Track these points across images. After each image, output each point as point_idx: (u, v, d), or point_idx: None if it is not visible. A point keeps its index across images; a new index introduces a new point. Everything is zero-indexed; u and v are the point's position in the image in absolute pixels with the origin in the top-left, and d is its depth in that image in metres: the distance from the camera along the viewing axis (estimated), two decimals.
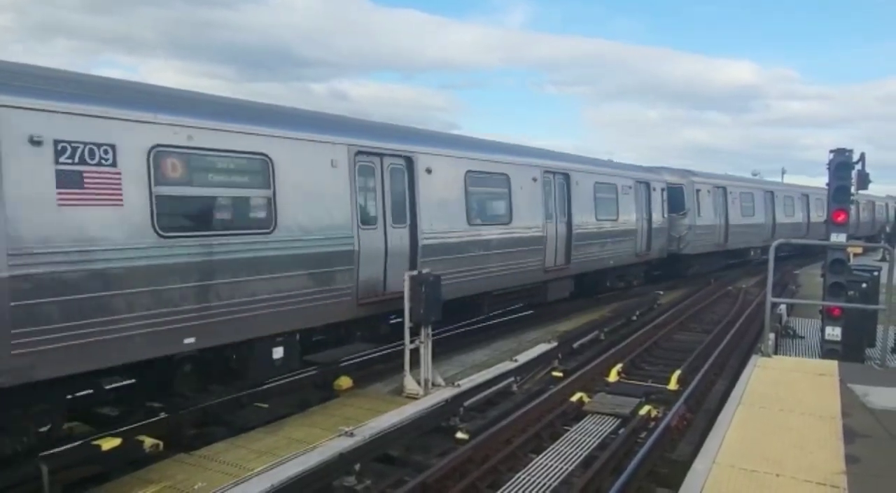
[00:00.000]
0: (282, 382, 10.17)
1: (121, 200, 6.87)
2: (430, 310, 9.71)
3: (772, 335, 10.70)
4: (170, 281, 7.30)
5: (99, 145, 6.68)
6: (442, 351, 11.90)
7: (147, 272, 7.07)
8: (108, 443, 7.14)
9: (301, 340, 9.31)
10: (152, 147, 7.16)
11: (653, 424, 9.01)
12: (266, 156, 8.47)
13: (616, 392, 10.40)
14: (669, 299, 20.13)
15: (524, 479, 7.21)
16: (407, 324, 9.66)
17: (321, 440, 7.59)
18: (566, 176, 16.10)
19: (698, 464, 5.49)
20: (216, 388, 9.15)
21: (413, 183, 11.09)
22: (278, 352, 8.83)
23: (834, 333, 10.70)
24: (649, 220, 20.70)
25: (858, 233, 36.61)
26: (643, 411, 9.42)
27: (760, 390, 7.59)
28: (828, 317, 10.85)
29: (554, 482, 7.17)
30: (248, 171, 8.42)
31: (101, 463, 7.04)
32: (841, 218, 10.70)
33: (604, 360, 12.03)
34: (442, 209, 11.78)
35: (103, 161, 6.73)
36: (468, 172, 12.60)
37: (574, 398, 9.93)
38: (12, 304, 5.95)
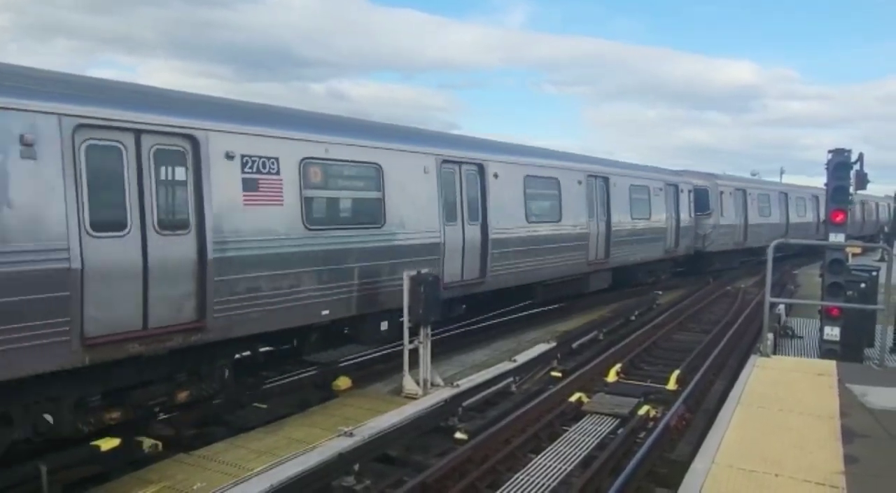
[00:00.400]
0: (281, 382, 10.19)
1: (282, 201, 8.74)
2: (429, 310, 9.72)
3: (770, 335, 10.72)
4: (314, 265, 9.18)
5: (268, 158, 8.59)
6: (441, 351, 11.91)
7: (299, 257, 8.93)
8: (108, 443, 7.15)
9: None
10: (302, 159, 9.05)
11: (652, 424, 9.01)
12: (378, 165, 10.39)
13: (615, 392, 10.40)
14: (668, 299, 20.14)
15: (523, 479, 7.22)
16: (406, 324, 9.67)
17: (321, 440, 7.59)
18: (606, 179, 17.66)
19: (697, 464, 5.50)
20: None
21: (484, 186, 12.83)
22: (384, 325, 10.64)
23: (833, 333, 10.71)
24: (678, 219, 22.11)
25: (863, 232, 38.34)
26: (642, 411, 9.43)
27: (759, 390, 7.60)
28: (826, 317, 10.86)
29: (553, 482, 7.18)
30: (365, 177, 10.38)
31: (101, 463, 7.06)
32: (839, 218, 10.71)
33: (603, 360, 12.04)
34: (506, 208, 13.50)
35: (271, 170, 8.62)
36: (526, 176, 14.30)
37: (573, 398, 9.93)
38: (215, 279, 7.74)
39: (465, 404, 9.44)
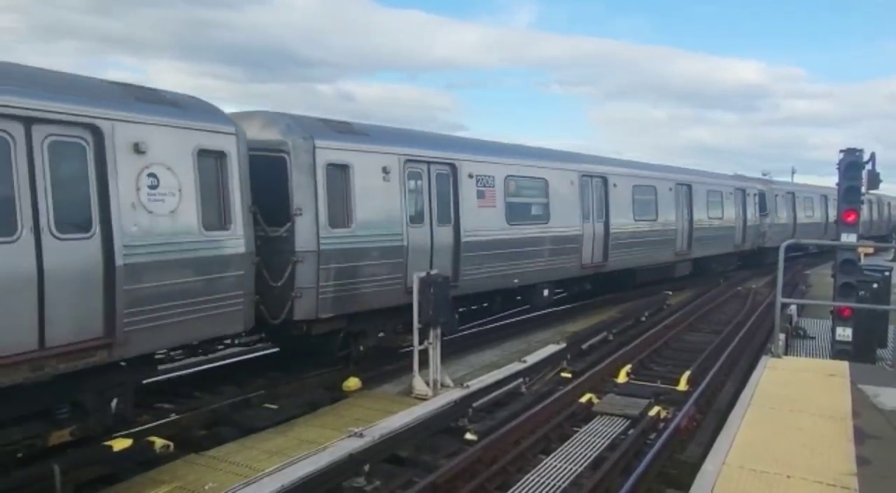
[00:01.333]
0: (291, 383, 10.21)
1: (495, 205, 13.35)
2: (438, 311, 9.73)
3: (782, 336, 10.66)
4: (513, 248, 13.72)
5: (488, 176, 13.16)
6: (451, 352, 11.91)
7: (501, 244, 13.37)
8: (120, 444, 7.19)
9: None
10: (506, 176, 13.65)
11: (662, 425, 8.99)
12: (545, 179, 14.96)
13: (625, 393, 10.38)
14: (679, 299, 20.07)
15: (533, 480, 7.21)
16: (416, 325, 9.68)
17: (331, 441, 7.61)
18: (689, 187, 21.89)
19: (708, 465, 5.48)
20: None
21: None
22: (546, 292, 15.32)
23: (844, 333, 10.65)
24: (745, 219, 25.93)
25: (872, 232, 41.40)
26: (652, 412, 9.40)
27: (771, 391, 7.56)
28: (838, 317, 10.80)
29: (563, 483, 7.17)
30: (537, 188, 14.87)
31: (113, 464, 7.09)
32: (851, 218, 10.65)
33: (613, 361, 12.01)
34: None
35: (489, 184, 13.20)
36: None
37: (583, 399, 9.91)
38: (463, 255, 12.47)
39: (475, 404, 9.44)
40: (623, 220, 17.82)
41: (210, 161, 8.10)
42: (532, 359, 11.61)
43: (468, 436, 8.38)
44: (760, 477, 5.19)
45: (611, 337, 14.51)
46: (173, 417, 8.50)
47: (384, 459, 7.69)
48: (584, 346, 13.46)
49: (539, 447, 8.25)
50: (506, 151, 14.64)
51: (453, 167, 12.35)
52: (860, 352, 10.51)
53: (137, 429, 7.81)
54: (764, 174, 43.33)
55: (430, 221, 11.79)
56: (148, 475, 6.93)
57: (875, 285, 11.27)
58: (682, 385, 10.77)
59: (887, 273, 11.87)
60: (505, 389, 10.28)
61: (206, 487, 6.55)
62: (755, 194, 27.09)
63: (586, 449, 8.13)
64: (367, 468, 7.22)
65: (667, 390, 10.66)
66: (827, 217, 34.39)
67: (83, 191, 6.78)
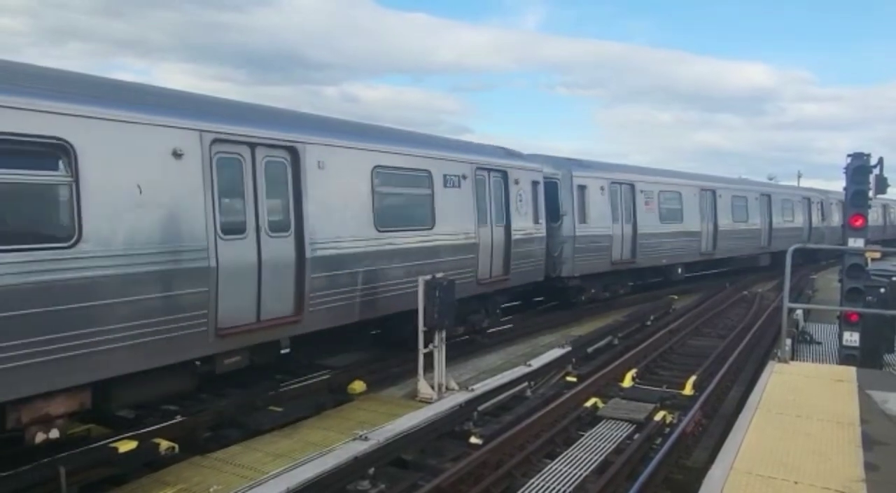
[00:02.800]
0: (297, 385, 10.21)
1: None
2: (443, 314, 9.73)
3: (789, 341, 10.60)
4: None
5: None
6: (456, 355, 11.90)
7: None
8: (125, 445, 7.18)
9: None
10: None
11: (668, 430, 8.95)
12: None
13: (631, 397, 10.33)
14: (684, 303, 20.02)
15: (538, 484, 7.19)
16: (421, 328, 9.68)
17: (336, 444, 7.61)
18: (769, 196, 28.23)
19: (715, 470, 5.44)
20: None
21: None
22: (681, 269, 21.07)
23: (852, 338, 10.60)
24: (811, 222, 33.04)
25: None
26: (658, 416, 9.36)
27: (777, 396, 7.52)
28: (846, 322, 10.75)
29: (568, 487, 7.14)
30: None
31: (118, 465, 7.09)
32: (859, 222, 10.60)
33: (618, 365, 11.97)
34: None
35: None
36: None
37: (588, 403, 9.89)
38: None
39: (479, 408, 9.42)
40: (726, 221, 24.37)
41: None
42: (537, 363, 11.58)
43: (473, 440, 8.35)
44: (768, 483, 5.15)
45: (616, 341, 14.48)
46: (178, 419, 8.50)
47: (389, 462, 7.68)
48: (590, 350, 13.43)
49: (544, 452, 8.23)
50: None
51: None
52: (867, 357, 10.46)
53: (142, 431, 7.81)
54: (770, 178, 45.33)
55: None
56: (153, 476, 6.95)
57: (882, 290, 11.21)
58: (688, 390, 10.72)
59: (895, 278, 11.81)
60: (510, 392, 10.26)
61: (211, 489, 6.56)
62: (818, 202, 34.57)
63: (591, 454, 8.10)
64: (371, 471, 7.21)
65: (672, 394, 10.61)
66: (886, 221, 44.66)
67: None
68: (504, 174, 14.08)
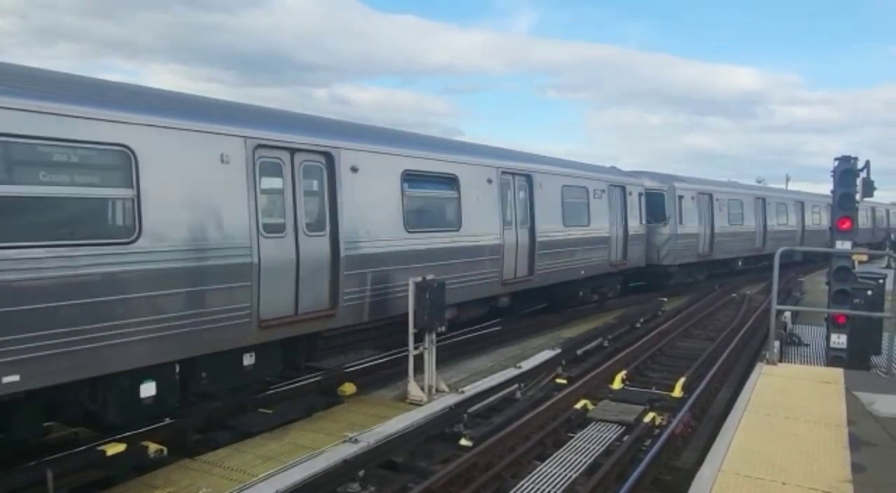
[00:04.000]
0: (286, 387, 10.18)
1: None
2: (434, 316, 9.73)
3: (777, 343, 10.67)
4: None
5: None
6: (446, 357, 11.89)
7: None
8: (113, 448, 7.14)
9: None
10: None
11: (657, 431, 8.99)
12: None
13: (620, 399, 10.37)
14: (673, 305, 20.10)
15: (528, 486, 7.19)
16: (411, 330, 9.67)
17: (326, 446, 7.59)
18: (802, 204, 32.59)
19: (704, 471, 5.47)
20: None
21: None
22: (741, 262, 27.17)
23: (839, 340, 10.68)
24: (874, 221, 41.63)
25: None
26: (648, 418, 9.40)
27: (766, 398, 7.57)
28: (833, 324, 10.83)
29: (558, 489, 7.16)
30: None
31: (106, 468, 7.05)
32: (846, 225, 10.69)
33: (608, 367, 12.01)
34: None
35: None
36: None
37: (578, 405, 9.91)
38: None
39: (470, 410, 9.42)
40: (772, 222, 29.13)
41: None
42: (527, 365, 11.59)
43: (463, 442, 8.36)
44: (756, 484, 5.19)
45: (606, 343, 14.52)
46: (167, 421, 8.45)
47: (379, 464, 7.66)
48: (579, 352, 13.46)
49: (534, 453, 8.24)
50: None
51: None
52: (855, 359, 10.55)
53: (131, 433, 7.76)
54: (759, 181, 45.81)
55: None
56: (141, 479, 6.91)
57: (869, 293, 11.31)
58: (678, 392, 10.77)
59: (881, 280, 11.91)
60: (500, 394, 10.27)
61: (200, 492, 6.52)
62: (872, 208, 41.88)
63: (581, 455, 8.12)
64: (361, 473, 7.19)
65: (662, 396, 10.66)
66: None
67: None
68: (623, 188, 19.38)
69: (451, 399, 9.53)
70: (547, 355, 12.48)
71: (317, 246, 9.14)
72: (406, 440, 8.24)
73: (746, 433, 6.33)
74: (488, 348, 13.72)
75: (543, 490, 7.11)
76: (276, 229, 8.56)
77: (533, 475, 7.47)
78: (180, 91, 8.77)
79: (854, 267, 11.66)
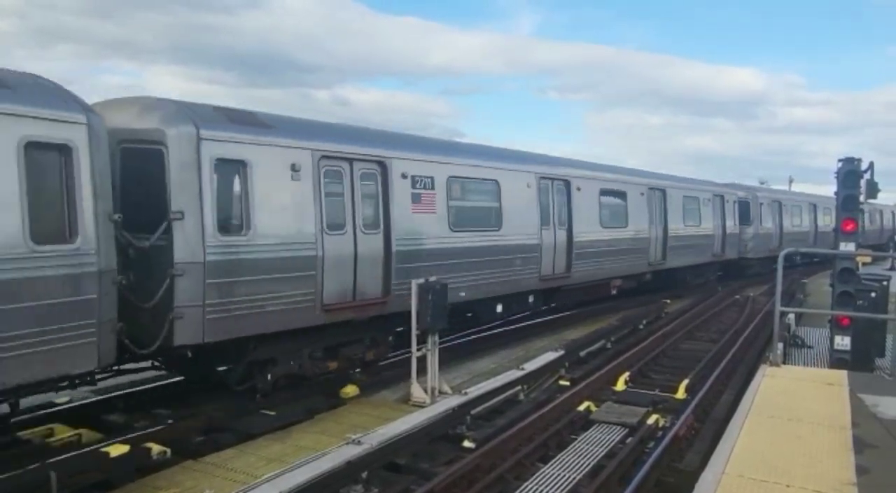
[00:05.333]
0: (289, 389, 10.18)
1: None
2: (436, 318, 9.73)
3: (780, 345, 10.65)
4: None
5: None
6: (449, 359, 11.90)
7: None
8: (117, 450, 7.15)
9: None
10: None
11: (660, 433, 8.97)
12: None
13: (623, 401, 10.36)
14: (676, 307, 20.08)
15: (531, 488, 7.19)
16: (414, 331, 9.67)
17: (329, 448, 7.59)
18: (815, 205, 35.39)
19: (707, 474, 5.46)
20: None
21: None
22: (798, 257, 28.93)
23: (843, 342, 10.64)
24: (882, 223, 46.41)
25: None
26: (651, 420, 9.39)
27: (769, 400, 7.55)
28: (837, 326, 10.80)
29: (561, 491, 7.15)
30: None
31: (109, 470, 7.06)
32: (850, 227, 10.66)
33: (611, 368, 12.00)
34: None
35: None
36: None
37: (581, 407, 9.90)
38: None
39: (473, 412, 9.42)
40: (821, 223, 34.70)
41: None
42: (530, 366, 11.59)
43: (466, 443, 8.36)
44: (760, 486, 5.17)
45: (609, 345, 14.51)
46: (170, 423, 8.47)
47: (382, 466, 7.67)
48: (583, 354, 13.45)
49: (537, 455, 8.24)
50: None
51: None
52: (858, 361, 10.51)
53: (134, 435, 7.79)
54: (761, 182, 45.24)
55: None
56: (144, 481, 6.92)
57: (873, 294, 11.29)
58: (681, 393, 10.76)
59: (885, 282, 11.88)
60: (503, 396, 10.26)
61: None
62: (893, 212, 48.42)
63: (584, 458, 8.12)
64: (364, 475, 7.20)
65: (665, 398, 10.65)
66: None
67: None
68: (722, 197, 24.98)
69: (454, 401, 9.53)
70: (550, 356, 12.47)
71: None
72: (409, 441, 8.24)
73: (750, 436, 6.32)
74: (491, 349, 13.71)
75: (546, 492, 7.10)
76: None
77: (536, 477, 7.47)
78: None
79: (858, 269, 11.63)
